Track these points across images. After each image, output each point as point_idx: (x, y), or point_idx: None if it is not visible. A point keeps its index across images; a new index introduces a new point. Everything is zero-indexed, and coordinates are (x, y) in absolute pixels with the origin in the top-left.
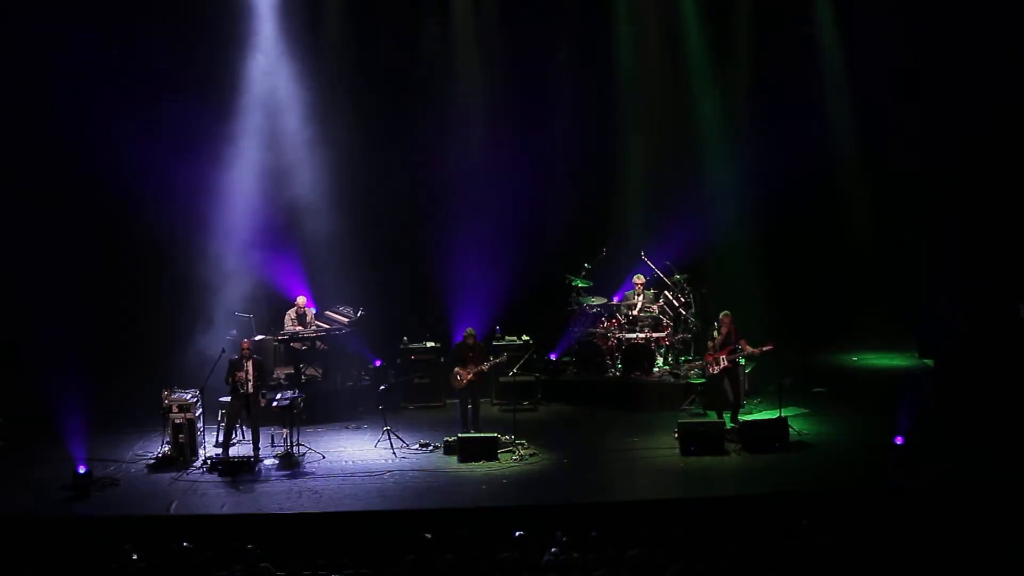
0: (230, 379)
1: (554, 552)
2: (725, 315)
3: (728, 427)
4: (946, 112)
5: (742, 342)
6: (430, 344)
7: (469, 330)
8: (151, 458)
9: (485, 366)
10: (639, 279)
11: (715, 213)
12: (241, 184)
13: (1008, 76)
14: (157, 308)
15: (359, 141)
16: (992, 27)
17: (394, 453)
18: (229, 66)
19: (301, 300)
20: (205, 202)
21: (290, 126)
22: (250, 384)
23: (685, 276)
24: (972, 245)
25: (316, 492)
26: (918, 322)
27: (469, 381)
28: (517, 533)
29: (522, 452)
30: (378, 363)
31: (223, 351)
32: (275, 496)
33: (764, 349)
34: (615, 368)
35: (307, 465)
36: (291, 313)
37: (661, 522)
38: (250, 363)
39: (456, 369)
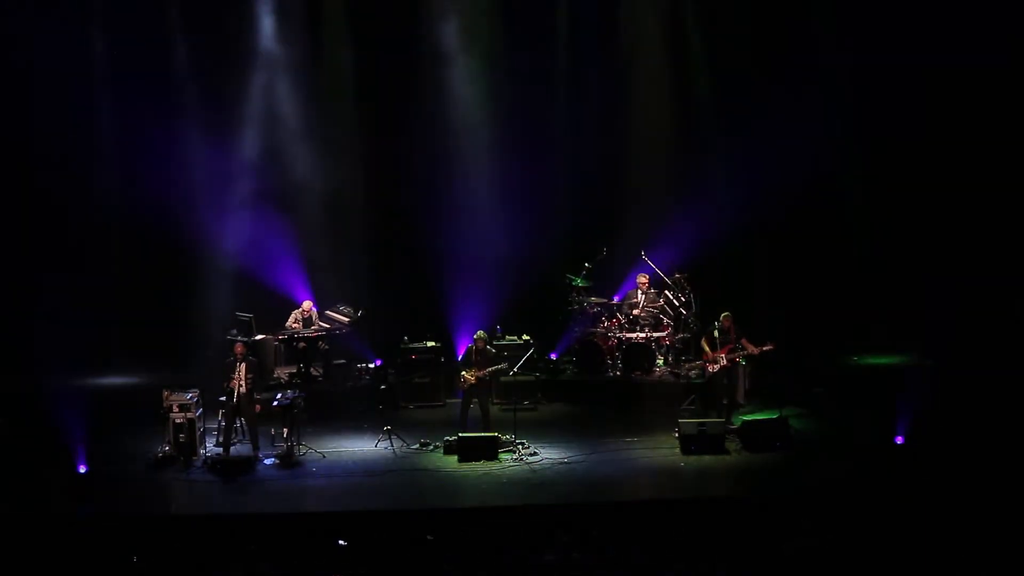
0: (226, 381)
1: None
2: (725, 316)
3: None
4: (947, 112)
5: (743, 341)
6: (430, 344)
7: (480, 333)
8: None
9: (483, 372)
10: (643, 278)
11: (715, 213)
12: (242, 184)
13: (1008, 77)
14: (157, 307)
15: (360, 140)
16: (992, 27)
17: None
18: (230, 73)
19: (307, 304)
20: (207, 202)
21: (292, 126)
22: (243, 386)
23: (685, 276)
24: (972, 244)
25: (316, 492)
26: (918, 322)
27: (471, 384)
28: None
29: (522, 452)
30: (378, 363)
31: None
32: (275, 496)
33: (764, 348)
34: (615, 368)
35: (307, 465)
36: (296, 314)
37: (661, 522)
38: (243, 365)
39: (462, 371)
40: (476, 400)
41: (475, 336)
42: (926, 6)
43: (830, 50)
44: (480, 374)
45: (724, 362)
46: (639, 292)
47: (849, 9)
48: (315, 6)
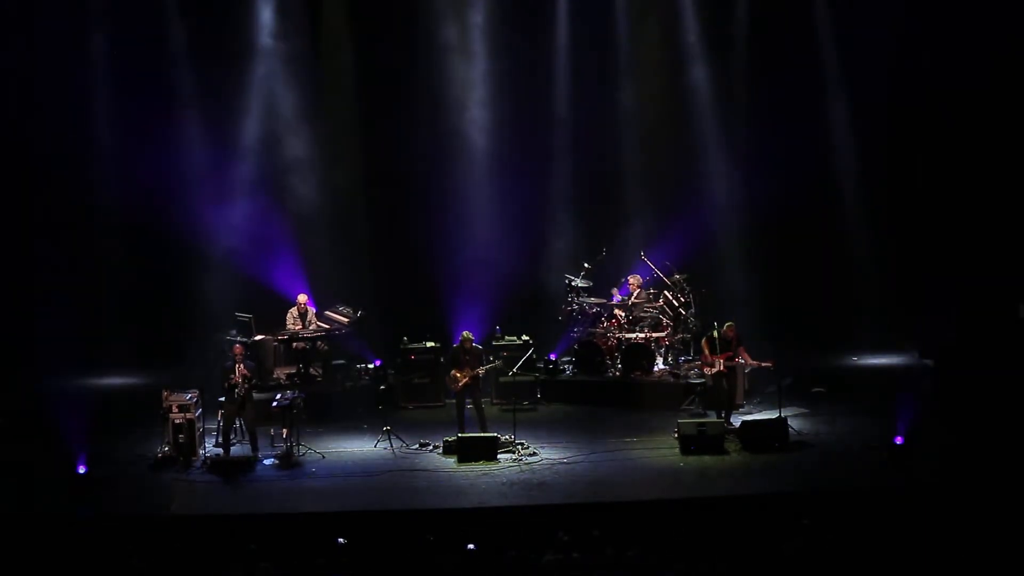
0: (225, 382)
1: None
2: (729, 326)
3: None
4: (945, 113)
5: (742, 351)
6: (430, 344)
7: (466, 334)
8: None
9: (480, 370)
10: (634, 280)
11: (715, 214)
12: (241, 183)
13: (1007, 77)
14: (158, 307)
15: (359, 140)
16: (992, 27)
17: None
18: (228, 72)
19: (302, 298)
20: (206, 202)
21: (290, 127)
22: (242, 387)
23: (685, 276)
24: (972, 245)
25: (316, 492)
26: (918, 322)
27: (464, 384)
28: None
29: (521, 452)
30: (378, 363)
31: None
32: (275, 496)
33: (763, 364)
34: (615, 368)
35: (306, 466)
36: (292, 312)
37: (661, 522)
38: (242, 366)
39: (452, 371)
40: (470, 400)
41: (462, 337)
42: (926, 6)
43: (830, 49)
44: (475, 373)
45: (721, 367)
46: (631, 295)
47: (849, 8)
48: (314, 0)
